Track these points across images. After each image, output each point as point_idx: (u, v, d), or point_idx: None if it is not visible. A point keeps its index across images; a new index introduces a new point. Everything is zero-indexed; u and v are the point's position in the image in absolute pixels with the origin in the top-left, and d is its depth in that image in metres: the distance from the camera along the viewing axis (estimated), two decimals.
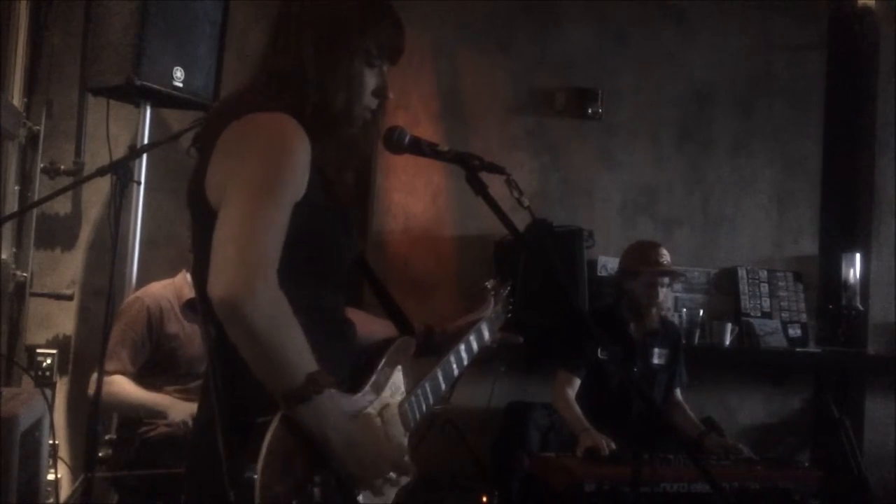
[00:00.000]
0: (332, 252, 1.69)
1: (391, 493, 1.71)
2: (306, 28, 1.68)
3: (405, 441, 1.82)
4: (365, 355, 1.81)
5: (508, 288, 2.26)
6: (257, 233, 1.48)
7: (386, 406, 1.78)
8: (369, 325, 1.93)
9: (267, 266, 1.47)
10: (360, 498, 1.63)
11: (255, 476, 1.44)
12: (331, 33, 1.67)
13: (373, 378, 1.76)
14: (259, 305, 1.44)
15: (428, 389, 1.91)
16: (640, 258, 3.91)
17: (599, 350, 3.75)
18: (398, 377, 1.84)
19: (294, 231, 1.54)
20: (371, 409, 1.74)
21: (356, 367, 1.77)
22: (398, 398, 1.82)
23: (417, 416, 1.87)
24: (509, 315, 2.23)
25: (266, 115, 1.60)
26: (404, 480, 1.73)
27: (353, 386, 1.72)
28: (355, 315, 1.84)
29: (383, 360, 1.80)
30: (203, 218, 1.60)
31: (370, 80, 1.72)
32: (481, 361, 2.12)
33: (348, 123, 1.71)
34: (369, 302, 1.88)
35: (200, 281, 1.55)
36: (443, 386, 1.96)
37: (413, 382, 1.88)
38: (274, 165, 1.54)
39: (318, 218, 1.63)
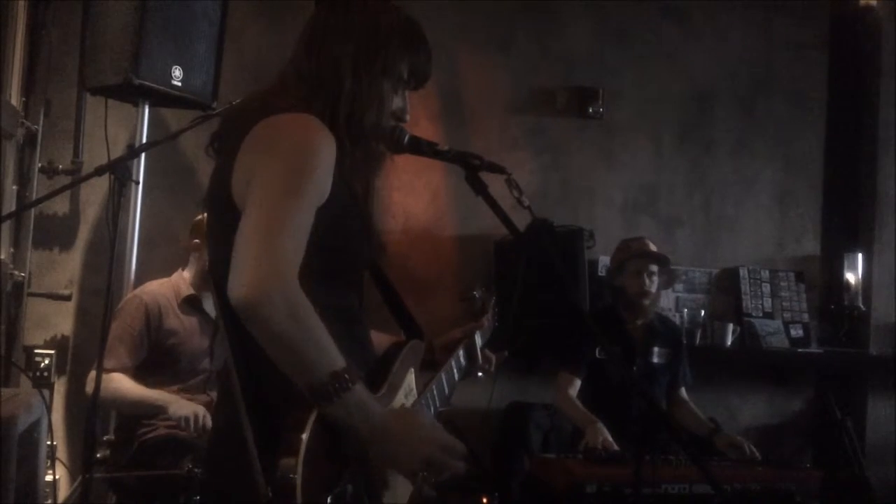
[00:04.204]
0: (349, 252, 1.70)
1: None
2: (347, 41, 1.70)
3: None
4: (378, 358, 1.82)
5: (494, 298, 2.32)
6: (278, 234, 1.48)
7: (401, 406, 1.80)
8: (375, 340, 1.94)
9: (286, 267, 1.47)
10: (389, 494, 1.62)
11: (295, 476, 1.42)
12: (371, 50, 1.70)
13: (389, 379, 1.77)
14: (277, 306, 1.44)
15: (435, 392, 1.95)
16: (623, 251, 4.00)
17: (598, 350, 3.79)
18: (411, 379, 1.87)
19: (315, 232, 1.55)
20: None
21: (371, 370, 1.77)
22: (411, 399, 1.84)
23: None
24: (496, 324, 2.30)
25: (292, 115, 1.61)
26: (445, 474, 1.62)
27: (370, 387, 1.71)
28: None
29: (398, 362, 1.82)
30: (226, 217, 1.59)
31: (394, 101, 1.75)
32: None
33: (373, 138, 1.73)
34: (368, 306, 1.87)
35: (220, 280, 1.54)
36: (447, 390, 2.01)
37: (423, 385, 1.91)
38: (299, 167, 1.55)
39: (340, 220, 1.64)
